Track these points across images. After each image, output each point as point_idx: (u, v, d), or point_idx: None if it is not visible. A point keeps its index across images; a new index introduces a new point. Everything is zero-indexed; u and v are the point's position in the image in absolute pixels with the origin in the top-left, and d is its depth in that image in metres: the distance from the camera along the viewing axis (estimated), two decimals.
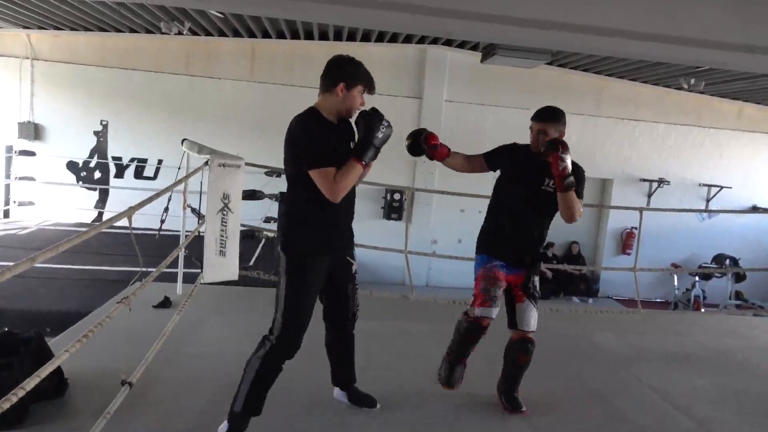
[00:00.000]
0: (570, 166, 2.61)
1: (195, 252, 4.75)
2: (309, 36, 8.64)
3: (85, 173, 9.11)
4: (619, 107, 9.98)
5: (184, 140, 4.27)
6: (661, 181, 10.22)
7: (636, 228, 10.01)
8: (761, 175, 10.56)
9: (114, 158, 9.13)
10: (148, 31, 8.50)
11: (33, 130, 8.80)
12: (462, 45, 9.01)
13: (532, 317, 2.77)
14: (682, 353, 4.07)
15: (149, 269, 2.96)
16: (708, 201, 10.41)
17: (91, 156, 9.09)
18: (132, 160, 9.17)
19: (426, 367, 3.32)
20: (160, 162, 9.13)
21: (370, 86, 2.34)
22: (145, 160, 9.16)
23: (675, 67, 8.10)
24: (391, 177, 9.06)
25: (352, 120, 2.40)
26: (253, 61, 9.14)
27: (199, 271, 4.28)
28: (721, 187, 10.28)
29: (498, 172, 2.91)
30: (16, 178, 8.79)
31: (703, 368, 3.77)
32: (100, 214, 9.11)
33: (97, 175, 9.15)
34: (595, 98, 9.89)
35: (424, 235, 9.33)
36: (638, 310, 5.06)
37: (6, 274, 1.55)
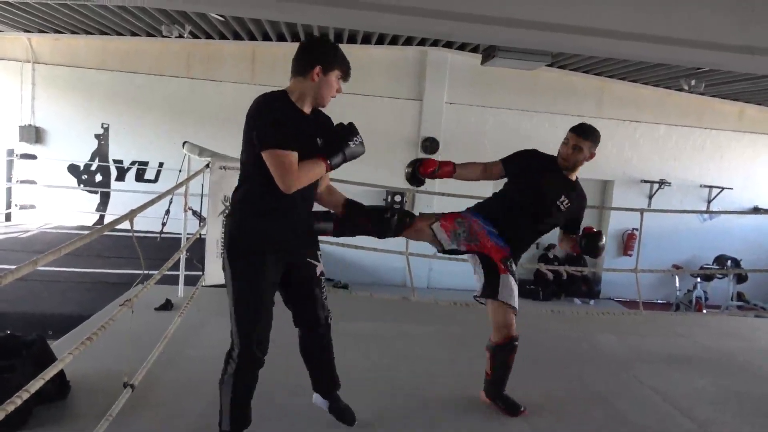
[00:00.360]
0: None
1: (196, 254, 4.76)
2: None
3: (86, 176, 9.12)
4: (620, 109, 9.98)
5: (185, 143, 4.29)
6: (662, 183, 10.22)
7: (637, 229, 10.00)
8: (762, 177, 10.55)
9: (115, 161, 9.14)
10: (149, 34, 8.52)
11: (34, 134, 8.82)
12: (462, 47, 9.02)
13: (513, 293, 2.67)
14: (684, 355, 4.06)
15: (151, 272, 2.97)
16: (709, 202, 10.41)
17: (92, 159, 9.11)
18: (133, 163, 9.18)
19: (426, 369, 3.33)
20: (161, 165, 9.14)
21: (346, 72, 2.13)
22: (146, 163, 9.18)
23: (676, 68, 8.10)
24: (392, 179, 9.07)
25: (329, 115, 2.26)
26: (253, 63, 9.15)
27: (201, 273, 4.30)
28: (722, 189, 10.28)
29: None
30: (17, 181, 8.81)
31: (705, 370, 3.76)
32: (102, 217, 9.12)
33: (99, 178, 9.16)
34: (596, 100, 9.89)
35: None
36: (640, 311, 5.06)
37: (9, 277, 1.56)
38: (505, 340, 2.72)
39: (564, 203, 2.72)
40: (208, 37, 8.65)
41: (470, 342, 3.82)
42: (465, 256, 2.81)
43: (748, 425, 3.02)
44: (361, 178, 6.25)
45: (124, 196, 8.85)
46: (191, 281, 4.22)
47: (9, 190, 8.81)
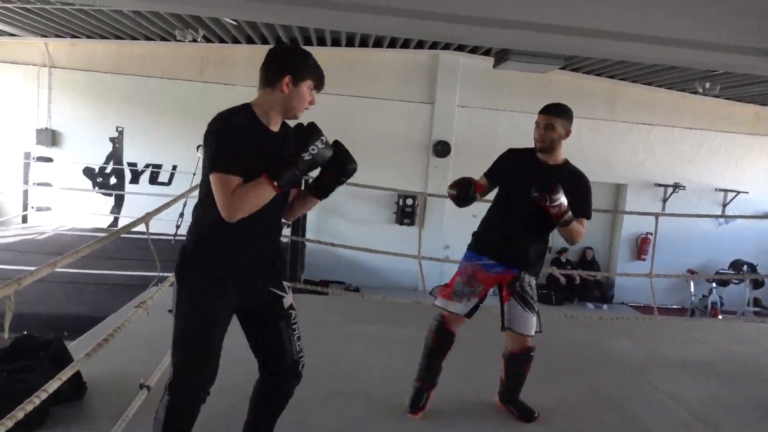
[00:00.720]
0: (564, 203, 2.49)
1: None
2: (321, 42, 8.69)
3: (101, 179, 9.22)
4: (633, 112, 9.91)
5: (199, 146, 4.32)
6: (676, 186, 10.12)
7: (651, 233, 9.95)
8: None
9: (129, 164, 9.23)
10: (163, 39, 8.61)
11: (50, 137, 8.94)
12: (474, 50, 9.01)
13: (523, 319, 2.63)
14: (699, 360, 4.02)
15: (165, 274, 3.00)
16: (724, 206, 10.29)
17: (106, 162, 9.21)
18: (147, 165, 9.27)
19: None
20: (174, 168, 9.22)
21: (320, 81, 1.91)
22: (159, 166, 9.26)
23: (690, 71, 8.03)
24: (404, 182, 9.09)
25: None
26: None
27: None
28: (738, 192, 10.16)
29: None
30: (33, 183, 8.93)
31: (721, 376, 3.72)
32: (116, 220, 9.21)
33: (113, 180, 9.26)
34: (609, 103, 9.83)
35: (436, 241, 9.32)
36: (654, 316, 5.01)
37: (28, 279, 1.58)
38: (521, 350, 2.71)
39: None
40: (221, 41, 8.72)
41: (483, 346, 3.81)
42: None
43: None
44: (373, 182, 6.26)
45: (138, 198, 8.94)
46: None
47: (26, 193, 8.93)
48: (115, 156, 9.22)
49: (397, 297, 5.62)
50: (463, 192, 2.59)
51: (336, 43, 8.73)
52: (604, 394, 3.28)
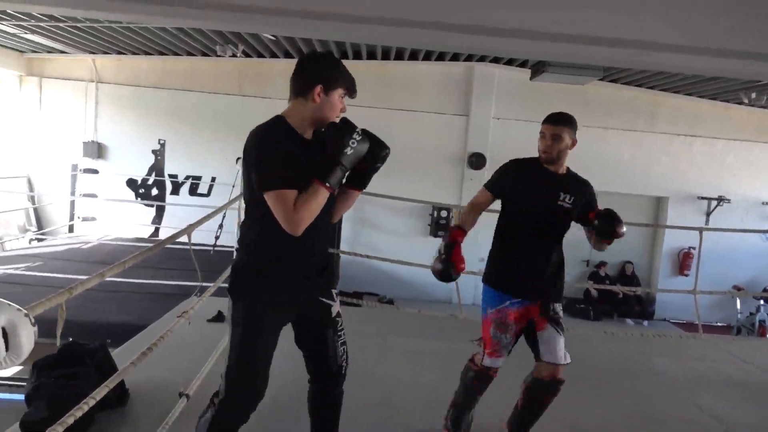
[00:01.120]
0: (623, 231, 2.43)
1: None
2: (357, 55, 8.80)
3: (143, 190, 9.50)
4: (675, 123, 9.67)
5: (238, 159, 4.42)
6: (720, 199, 9.80)
7: (694, 248, 9.64)
8: None
9: (170, 176, 9.49)
10: (204, 54, 8.87)
11: (96, 149, 9.27)
12: (510, 62, 8.97)
13: (560, 347, 2.46)
14: (746, 381, 3.86)
15: (206, 284, 3.07)
16: None
17: (149, 174, 9.49)
18: (187, 177, 9.51)
19: None
20: (213, 179, 9.43)
21: (351, 88, 1.90)
22: (199, 178, 9.49)
23: (734, 81, 7.80)
24: (438, 194, 9.06)
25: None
26: None
27: None
28: None
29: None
30: (80, 194, 9.25)
31: None
32: (157, 230, 9.46)
33: (155, 191, 9.53)
34: (650, 114, 9.62)
35: (471, 253, 9.20)
36: (699, 334, 4.85)
37: (79, 288, 1.64)
38: (550, 377, 2.48)
39: (566, 200, 2.46)
40: (260, 55, 8.92)
41: (518, 364, 3.75)
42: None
43: None
44: (407, 194, 6.27)
45: (178, 209, 9.17)
46: None
47: (72, 203, 9.26)
48: (157, 168, 9.49)
49: (432, 309, 5.59)
50: (445, 273, 2.49)
51: (372, 56, 8.82)
52: (646, 413, 3.18)
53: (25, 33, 7.55)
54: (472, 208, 2.62)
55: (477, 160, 9.35)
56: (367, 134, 1.87)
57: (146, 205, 9.48)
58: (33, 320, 1.14)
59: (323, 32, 5.66)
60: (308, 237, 1.82)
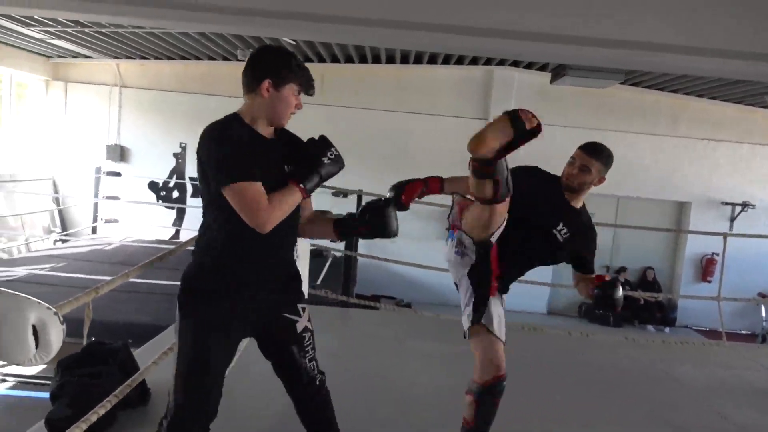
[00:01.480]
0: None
1: None
2: (376, 60, 8.83)
3: (164, 193, 9.64)
4: (698, 127, 9.52)
5: None
6: (745, 205, 9.62)
7: (717, 254, 9.47)
8: None
9: (191, 179, 9.61)
10: (225, 59, 8.98)
11: (119, 153, 9.44)
12: (530, 65, 8.92)
13: (503, 322, 2.28)
14: None
15: None
16: None
17: (170, 176, 9.62)
18: None
19: None
20: None
21: (306, 85, 1.77)
22: None
23: (759, 84, 7.66)
24: None
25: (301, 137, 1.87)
26: (322, 85, 9.42)
27: None
28: None
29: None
30: (103, 197, 9.42)
31: None
32: (177, 232, 9.58)
33: (175, 194, 9.66)
34: (672, 118, 9.49)
35: None
36: (722, 342, 4.76)
37: (105, 288, 1.68)
38: (495, 380, 2.20)
39: (562, 232, 2.29)
40: None
41: (538, 368, 3.72)
42: (454, 278, 2.38)
43: None
44: (425, 199, 6.21)
45: (199, 211, 9.21)
46: None
47: (96, 205, 9.42)
48: (178, 171, 9.62)
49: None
50: (391, 194, 2.31)
51: (391, 60, 8.85)
52: (668, 421, 3.13)
53: (52, 38, 7.71)
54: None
55: None
56: (386, 206, 1.90)
57: (167, 207, 9.62)
58: (62, 319, 1.18)
59: (342, 36, 5.71)
60: (274, 242, 1.74)
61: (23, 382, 3.84)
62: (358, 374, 3.40)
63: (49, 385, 2.62)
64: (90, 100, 9.48)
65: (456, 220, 2.37)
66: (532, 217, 2.28)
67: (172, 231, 9.59)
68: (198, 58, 9.11)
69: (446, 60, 8.89)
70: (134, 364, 2.69)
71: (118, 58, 9.14)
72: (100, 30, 7.18)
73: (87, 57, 9.13)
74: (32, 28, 7.03)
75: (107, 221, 9.42)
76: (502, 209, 2.12)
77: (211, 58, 9.07)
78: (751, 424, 3.19)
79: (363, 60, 8.89)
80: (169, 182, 9.62)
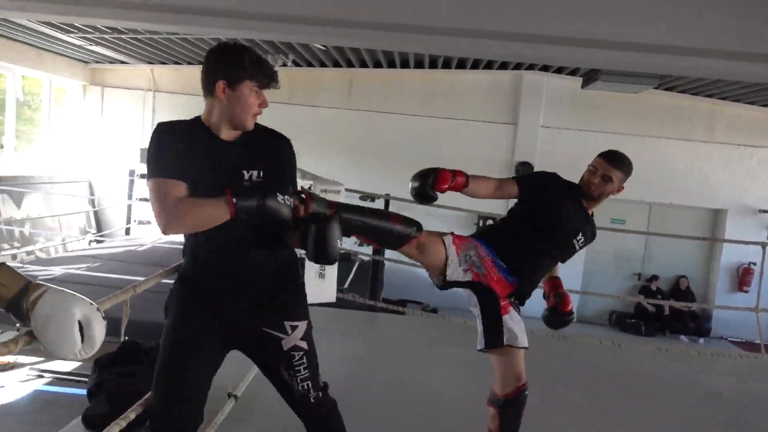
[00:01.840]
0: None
1: None
2: (405, 64, 8.85)
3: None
4: (735, 133, 9.27)
5: None
6: None
7: (754, 263, 9.19)
8: None
9: None
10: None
11: None
12: (560, 70, 8.83)
13: (522, 330, 2.24)
14: None
15: None
16: None
17: None
18: None
19: None
20: None
21: (264, 78, 1.62)
22: None
23: None
24: (484, 203, 8.95)
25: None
26: (351, 89, 9.49)
27: None
28: None
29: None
30: (136, 199, 9.63)
31: None
32: None
33: None
34: (707, 123, 9.27)
35: None
36: (761, 354, 4.61)
37: (142, 286, 1.73)
38: (517, 391, 2.22)
39: (580, 242, 2.30)
40: (309, 65, 9.09)
41: (568, 378, 3.68)
42: (464, 294, 2.35)
43: None
44: (453, 203, 6.21)
45: None
46: None
47: (129, 207, 9.64)
48: None
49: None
50: (418, 183, 2.19)
51: (419, 65, 8.86)
52: None
53: (90, 45, 7.94)
54: (493, 180, 2.37)
55: (524, 169, 9.21)
56: (318, 228, 1.58)
57: None
58: (104, 315, 1.20)
59: (373, 42, 5.74)
60: (235, 256, 1.63)
61: (59, 379, 3.94)
62: (385, 379, 3.40)
63: (85, 382, 2.70)
64: (125, 104, 9.71)
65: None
66: (559, 225, 2.26)
67: None
68: None
69: (475, 64, 8.86)
70: None
71: (152, 63, 9.35)
72: (136, 36, 7.37)
73: (123, 62, 9.37)
74: (72, 35, 7.25)
75: (140, 223, 9.62)
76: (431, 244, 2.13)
77: None
78: None
79: (391, 65, 8.92)
80: None
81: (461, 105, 9.23)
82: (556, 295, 2.43)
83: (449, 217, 9.17)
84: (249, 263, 1.67)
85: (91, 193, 9.69)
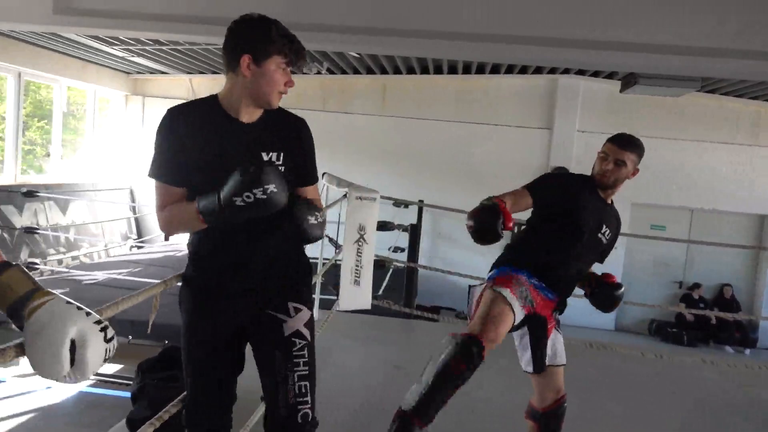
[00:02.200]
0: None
1: (331, 280, 4.98)
2: (438, 70, 8.84)
3: None
4: None
5: (324, 174, 4.53)
6: None
7: None
8: None
9: None
10: (292, 72, 9.22)
11: None
12: (596, 74, 8.67)
13: (562, 349, 2.22)
14: None
15: None
16: None
17: None
18: None
19: None
20: None
21: (293, 55, 1.52)
22: None
23: None
24: None
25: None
26: (384, 95, 9.53)
27: (335, 298, 4.49)
28: None
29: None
30: None
31: None
32: None
33: None
34: (752, 126, 8.96)
35: None
36: None
37: (173, 281, 1.75)
38: (556, 404, 2.24)
39: (606, 234, 2.23)
40: (343, 72, 9.17)
41: (608, 389, 3.59)
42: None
43: None
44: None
45: None
46: (326, 305, 4.42)
47: None
48: None
49: None
50: (485, 223, 2.04)
51: (453, 70, 8.83)
52: None
53: (132, 56, 8.19)
54: (511, 195, 2.27)
55: None
56: (297, 206, 1.50)
57: None
58: (109, 334, 1.00)
59: (408, 49, 5.76)
60: (241, 244, 1.55)
61: (103, 381, 4.06)
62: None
63: (127, 384, 2.77)
64: (163, 113, 9.96)
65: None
66: (581, 222, 2.19)
67: None
68: None
69: (509, 69, 8.79)
70: None
71: (191, 73, 9.57)
72: (176, 47, 7.56)
73: (163, 72, 9.63)
74: (115, 47, 7.49)
75: None
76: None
77: None
78: None
79: (425, 71, 8.92)
80: None
81: (495, 110, 9.16)
82: (592, 276, 2.35)
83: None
84: (254, 250, 1.58)
85: (132, 200, 9.97)
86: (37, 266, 6.50)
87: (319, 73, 8.44)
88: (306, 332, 1.61)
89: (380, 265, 7.00)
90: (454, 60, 8.21)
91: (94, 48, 7.58)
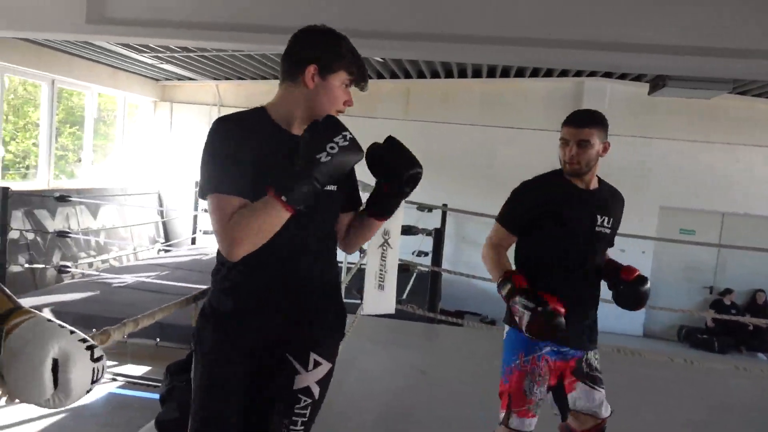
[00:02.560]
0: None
1: (356, 284, 5.00)
2: (462, 74, 8.81)
3: None
4: None
5: None
6: None
7: None
8: None
9: None
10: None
11: None
12: (623, 76, 8.55)
13: (598, 399, 2.03)
14: None
15: None
16: None
17: None
18: None
19: None
20: None
21: (358, 75, 1.44)
22: None
23: None
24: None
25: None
26: (408, 100, 9.54)
27: (359, 302, 4.50)
28: None
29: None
30: (202, 210, 10.01)
31: None
32: None
33: None
34: None
35: None
36: None
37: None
38: (597, 428, 2.08)
39: (605, 222, 2.01)
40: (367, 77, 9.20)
41: (638, 396, 3.53)
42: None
43: None
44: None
45: None
46: (351, 309, 4.42)
47: (195, 218, 10.03)
48: None
49: None
50: (550, 324, 1.81)
51: (477, 74, 8.80)
52: None
53: (161, 63, 8.37)
54: (497, 250, 2.07)
55: None
56: (390, 143, 1.47)
57: None
58: (97, 354, 0.90)
59: (433, 54, 5.76)
60: (285, 265, 1.38)
61: (132, 383, 4.14)
62: (447, 393, 3.38)
63: (155, 386, 2.81)
64: (192, 118, 10.15)
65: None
66: (576, 229, 1.99)
67: None
68: None
69: (534, 72, 8.72)
70: None
71: (217, 79, 9.73)
72: (204, 54, 7.70)
73: (190, 79, 9.80)
74: (145, 55, 7.65)
75: (205, 233, 9.99)
76: None
77: None
78: None
79: (449, 75, 8.90)
80: None
81: (520, 113, 9.10)
82: (613, 271, 2.10)
83: None
84: (302, 275, 1.42)
85: (160, 204, 10.15)
86: (68, 269, 6.67)
87: None
88: (316, 390, 1.48)
89: (404, 269, 7.00)
90: (478, 64, 8.18)
91: (125, 55, 7.76)
